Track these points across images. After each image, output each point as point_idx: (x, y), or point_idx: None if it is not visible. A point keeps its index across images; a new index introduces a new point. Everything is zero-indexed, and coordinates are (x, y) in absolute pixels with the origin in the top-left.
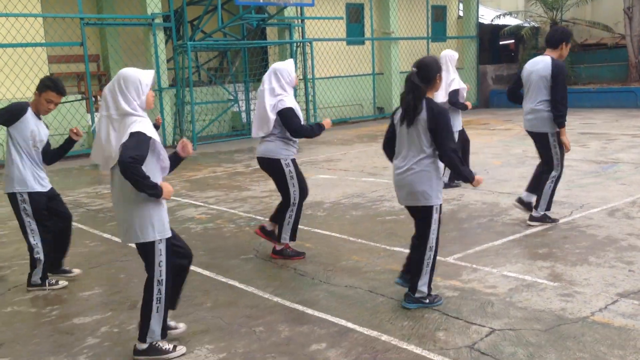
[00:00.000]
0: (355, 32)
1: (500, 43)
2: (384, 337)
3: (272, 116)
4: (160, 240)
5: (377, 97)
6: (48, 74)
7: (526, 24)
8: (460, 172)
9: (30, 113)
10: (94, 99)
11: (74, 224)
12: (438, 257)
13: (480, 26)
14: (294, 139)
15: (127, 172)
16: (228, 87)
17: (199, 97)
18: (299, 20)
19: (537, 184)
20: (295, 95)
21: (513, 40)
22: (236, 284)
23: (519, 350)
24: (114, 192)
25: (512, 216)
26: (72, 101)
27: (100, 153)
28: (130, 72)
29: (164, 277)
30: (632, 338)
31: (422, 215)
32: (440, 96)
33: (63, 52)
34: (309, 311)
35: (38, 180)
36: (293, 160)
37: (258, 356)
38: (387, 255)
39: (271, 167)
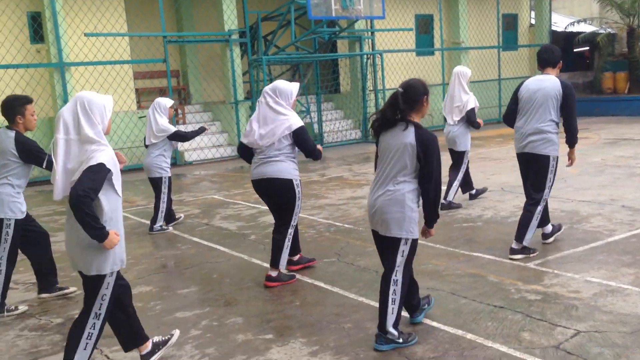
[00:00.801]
0: (424, 43)
1: (575, 51)
2: (469, 336)
3: (281, 133)
4: (112, 273)
5: None
6: (134, 89)
7: (602, 31)
8: (434, 210)
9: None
10: (175, 112)
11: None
12: (517, 263)
13: (553, 34)
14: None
15: (77, 206)
16: (300, 99)
17: None
18: (369, 33)
19: (524, 225)
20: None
21: (588, 48)
22: (322, 284)
23: (606, 350)
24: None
25: (593, 224)
26: None
27: (55, 178)
28: (93, 96)
29: (103, 311)
30: None
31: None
32: (455, 115)
33: (147, 68)
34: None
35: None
36: (301, 181)
37: (349, 349)
38: (467, 260)
39: (282, 188)
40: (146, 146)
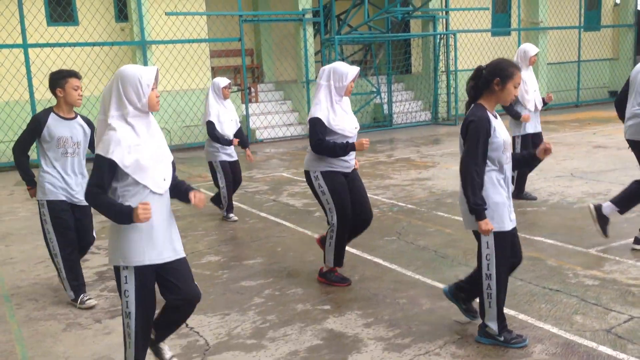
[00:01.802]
0: (501, 23)
1: None
2: (521, 316)
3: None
4: (126, 267)
5: None
6: (210, 68)
7: None
8: (467, 196)
9: (53, 119)
10: (248, 90)
11: (235, 202)
12: (578, 248)
13: (639, 14)
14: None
15: (87, 201)
16: (371, 79)
17: None
18: (444, 12)
19: (627, 199)
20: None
21: None
22: (380, 261)
23: None
24: None
25: None
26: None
27: None
28: (129, 70)
29: (132, 309)
30: None
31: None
32: (529, 104)
33: (223, 47)
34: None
35: (65, 189)
36: (325, 173)
37: (402, 323)
38: (527, 243)
39: (306, 179)
40: None
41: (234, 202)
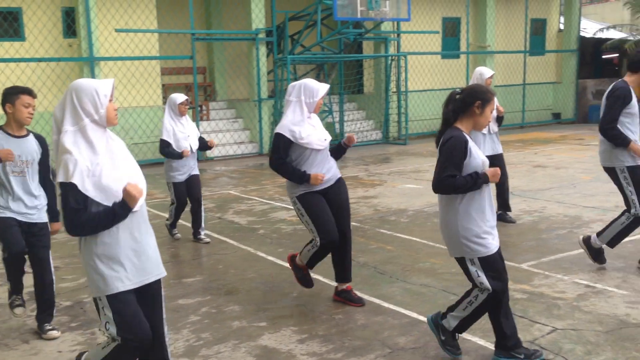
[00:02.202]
0: (451, 46)
1: (603, 57)
2: None
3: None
4: (100, 298)
5: None
6: (160, 85)
7: (631, 38)
8: (463, 189)
9: (0, 137)
10: (199, 108)
11: (179, 220)
12: (511, 264)
13: (582, 40)
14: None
15: (79, 232)
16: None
17: None
18: (395, 35)
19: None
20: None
21: (617, 55)
22: (320, 277)
23: (577, 347)
24: None
25: (593, 229)
26: None
27: None
28: (84, 82)
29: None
30: None
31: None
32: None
33: (174, 64)
34: (385, 304)
35: (9, 209)
36: (301, 197)
37: (336, 338)
38: None
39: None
40: None
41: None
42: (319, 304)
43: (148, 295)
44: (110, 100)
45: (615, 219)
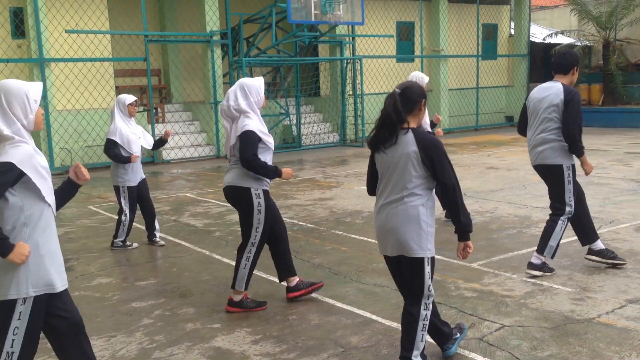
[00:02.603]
0: (405, 50)
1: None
2: (396, 325)
3: (234, 140)
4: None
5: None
6: (114, 87)
7: (579, 43)
8: (466, 220)
9: None
10: (155, 110)
11: (134, 223)
12: (462, 263)
13: (532, 44)
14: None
15: None
16: (280, 101)
17: None
18: (350, 38)
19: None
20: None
21: None
22: (274, 279)
23: (524, 343)
24: None
25: (541, 228)
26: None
27: None
28: (13, 84)
29: (15, 349)
30: (631, 337)
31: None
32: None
33: (128, 66)
34: (338, 304)
35: None
36: (265, 192)
37: (289, 338)
38: None
39: (238, 196)
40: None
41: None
42: (273, 305)
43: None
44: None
45: (550, 229)
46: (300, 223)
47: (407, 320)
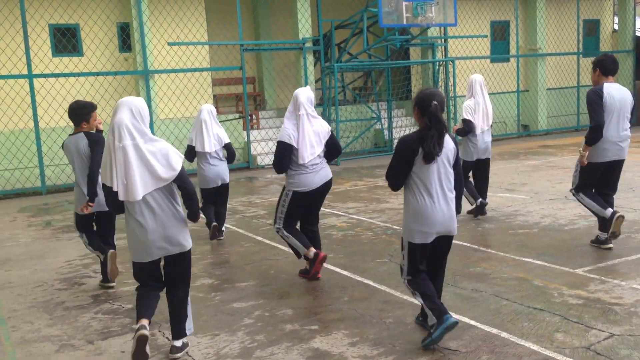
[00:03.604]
0: (500, 49)
1: None
2: (504, 334)
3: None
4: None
5: (522, 114)
6: (212, 95)
7: None
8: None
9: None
10: (250, 117)
11: (231, 226)
12: (565, 269)
13: (638, 39)
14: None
15: (195, 195)
16: (371, 105)
17: (344, 115)
18: (442, 40)
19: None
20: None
21: None
22: (370, 282)
23: (635, 353)
24: None
25: None
26: (231, 119)
27: (128, 181)
28: (138, 100)
29: None
30: None
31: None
32: (485, 124)
33: (225, 75)
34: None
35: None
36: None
37: (387, 342)
38: (516, 264)
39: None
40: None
41: (229, 226)
42: (369, 307)
43: None
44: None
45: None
46: (394, 227)
47: (440, 286)
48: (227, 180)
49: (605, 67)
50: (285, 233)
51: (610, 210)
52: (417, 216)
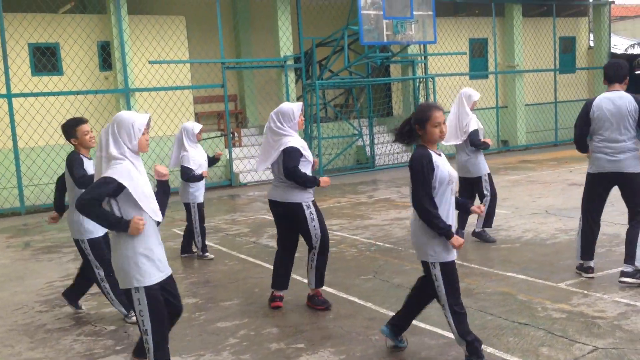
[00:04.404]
0: (478, 66)
1: (636, 72)
2: (489, 349)
3: (275, 155)
4: (137, 289)
5: (501, 130)
6: (193, 114)
7: None
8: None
9: (84, 159)
10: (232, 135)
11: (214, 244)
12: (549, 283)
13: (613, 56)
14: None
15: (81, 210)
16: (353, 122)
17: (326, 132)
18: (422, 57)
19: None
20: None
21: None
22: (356, 299)
23: None
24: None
25: None
26: (213, 137)
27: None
28: (124, 115)
29: (148, 326)
30: None
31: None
32: (452, 138)
33: (206, 93)
34: (422, 325)
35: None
36: (314, 202)
37: (373, 358)
38: (499, 279)
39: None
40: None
41: (211, 244)
42: (355, 325)
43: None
44: (146, 132)
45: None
46: (378, 243)
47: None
48: (185, 201)
49: (606, 74)
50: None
51: (589, 264)
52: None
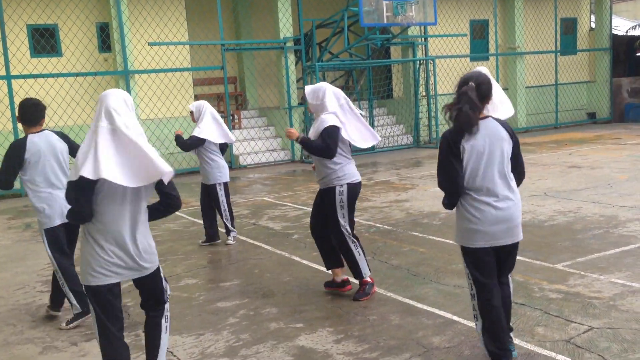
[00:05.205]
0: (479, 48)
1: (638, 54)
2: None
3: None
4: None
5: None
6: (193, 96)
7: None
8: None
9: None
10: (231, 117)
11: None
12: (546, 264)
13: (615, 38)
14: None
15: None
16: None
17: None
18: (423, 39)
19: None
20: None
21: None
22: (354, 280)
23: (613, 345)
24: None
25: (629, 228)
26: None
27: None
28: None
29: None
30: None
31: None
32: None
33: (206, 75)
34: (419, 305)
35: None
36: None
37: (371, 338)
38: None
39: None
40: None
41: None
42: (353, 305)
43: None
44: None
45: None
46: (377, 225)
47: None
48: (211, 182)
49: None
50: (357, 243)
51: None
52: None
